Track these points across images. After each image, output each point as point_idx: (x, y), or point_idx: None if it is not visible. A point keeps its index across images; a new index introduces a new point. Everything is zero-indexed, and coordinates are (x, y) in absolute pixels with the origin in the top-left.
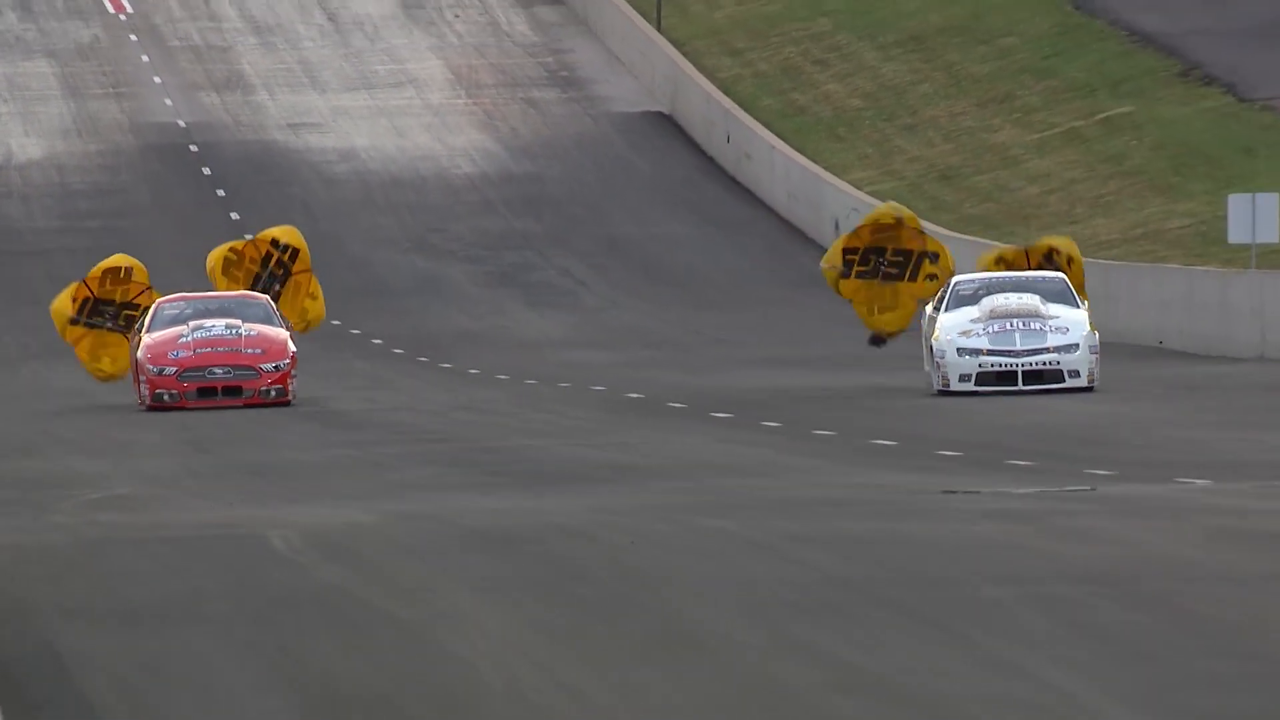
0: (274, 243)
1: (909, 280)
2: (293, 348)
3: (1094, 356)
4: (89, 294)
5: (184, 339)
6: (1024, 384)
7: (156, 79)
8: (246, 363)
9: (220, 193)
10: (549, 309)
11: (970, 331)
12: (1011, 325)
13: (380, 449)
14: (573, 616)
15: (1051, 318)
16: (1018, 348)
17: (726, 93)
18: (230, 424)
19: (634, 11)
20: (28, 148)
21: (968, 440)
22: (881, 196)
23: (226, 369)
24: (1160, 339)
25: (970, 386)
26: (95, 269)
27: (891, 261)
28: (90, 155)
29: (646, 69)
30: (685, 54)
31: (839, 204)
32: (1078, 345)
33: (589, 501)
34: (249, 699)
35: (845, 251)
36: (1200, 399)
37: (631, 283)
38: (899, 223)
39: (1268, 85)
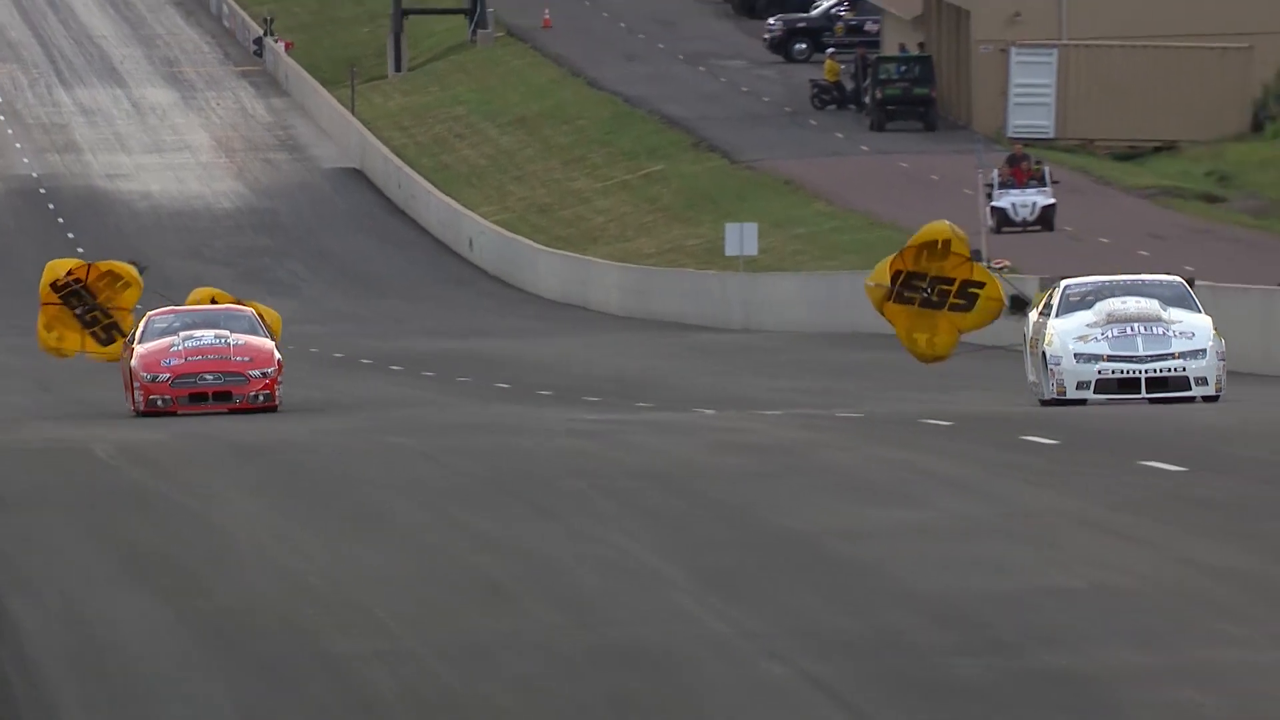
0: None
1: (949, 311)
2: (278, 356)
3: (1221, 363)
4: (82, 277)
5: (175, 348)
6: (1147, 391)
7: (17, 145)
8: (236, 370)
9: (60, 220)
10: (282, 298)
11: (1088, 337)
12: (1133, 330)
13: None
14: (301, 503)
15: (1174, 322)
16: (1140, 353)
17: (397, 155)
18: (70, 365)
19: (335, 101)
20: None
21: (560, 384)
22: (502, 224)
23: (217, 375)
24: (683, 318)
25: (1089, 394)
26: (103, 263)
27: (935, 290)
28: None
29: (344, 139)
30: (370, 129)
31: (471, 229)
32: (1204, 351)
33: (311, 425)
34: (87, 555)
35: (892, 274)
36: (708, 357)
37: (337, 280)
38: (947, 246)
39: (748, 153)
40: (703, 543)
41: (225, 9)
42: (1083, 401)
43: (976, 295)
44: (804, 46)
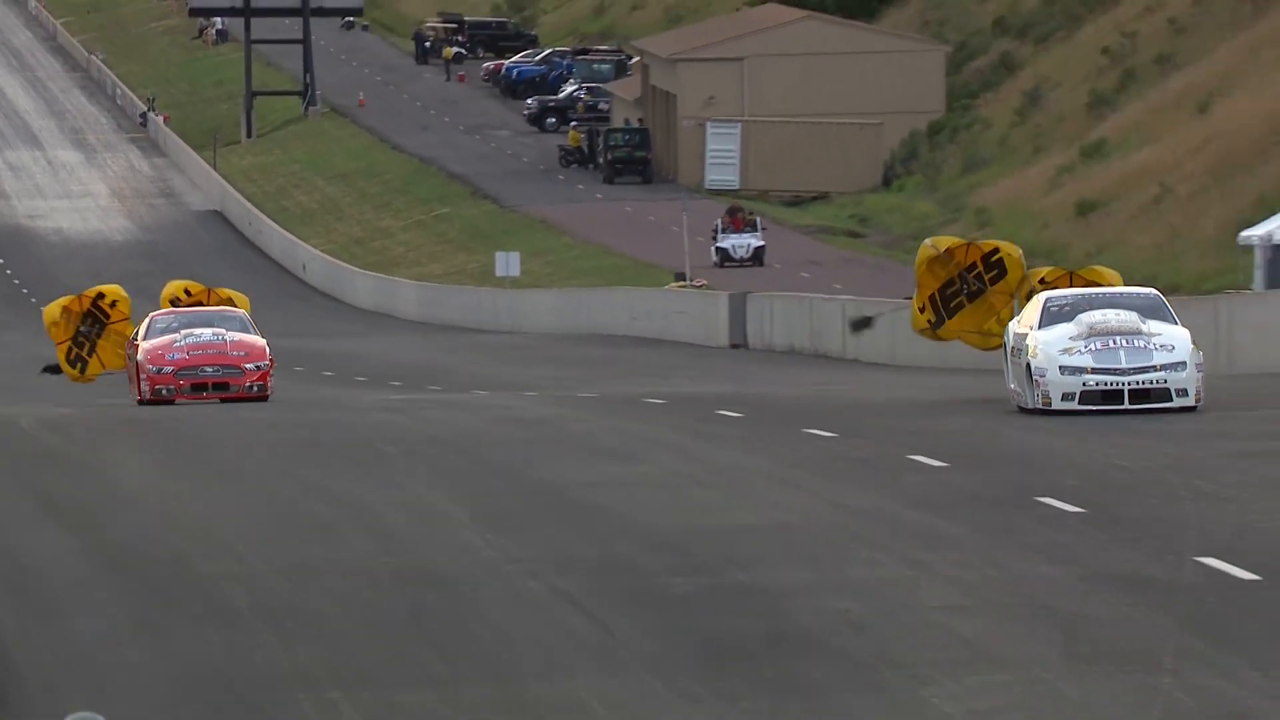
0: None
1: (991, 286)
2: (270, 352)
3: (1200, 374)
4: (65, 341)
5: (178, 344)
6: (1130, 403)
7: None
8: (233, 363)
9: None
10: None
11: (1071, 349)
12: (1115, 343)
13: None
14: (174, 461)
15: (1155, 335)
16: (1123, 366)
17: (249, 201)
18: (24, 365)
19: (201, 160)
20: None
21: (372, 372)
22: (328, 252)
23: (216, 368)
24: (464, 324)
25: (1074, 405)
26: (49, 330)
27: (970, 280)
28: None
29: (208, 188)
30: (228, 181)
31: (304, 256)
32: (1185, 363)
33: (187, 409)
34: (15, 501)
35: (923, 307)
36: (483, 352)
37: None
38: (948, 251)
39: (512, 200)
40: (480, 491)
41: (118, 90)
42: (1068, 412)
43: (1000, 258)
44: (554, 120)
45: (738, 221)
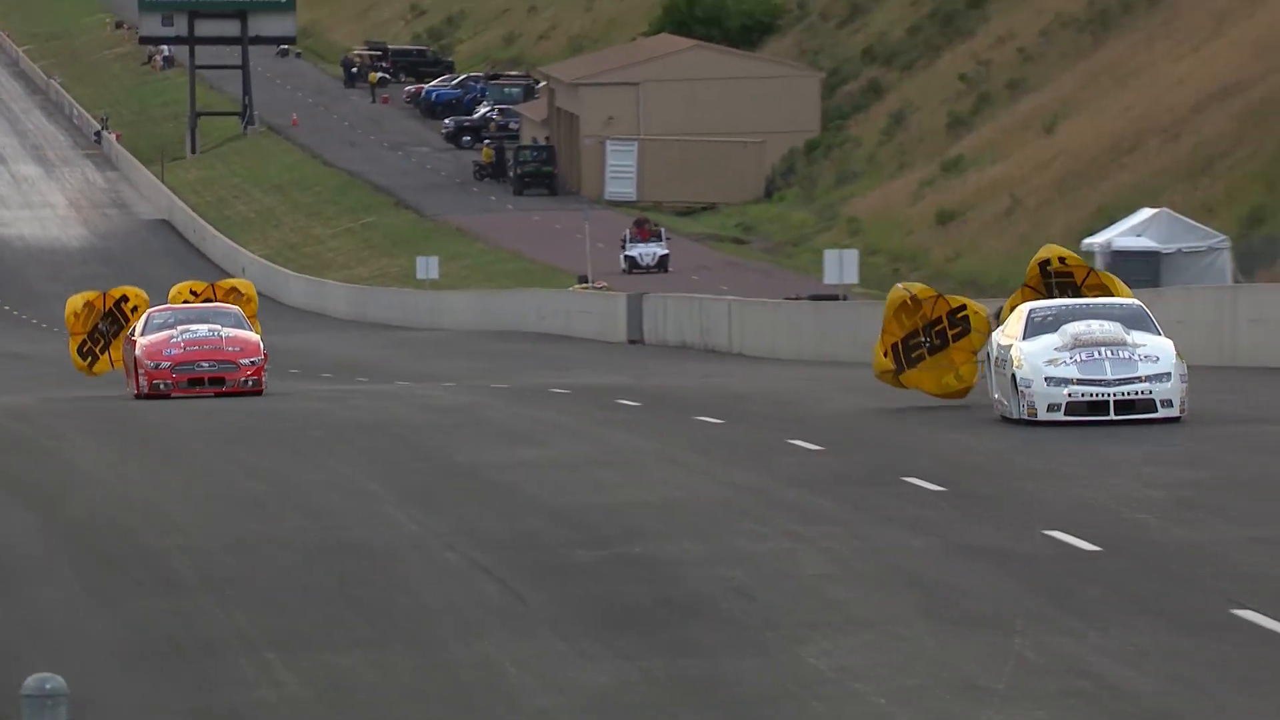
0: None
1: (954, 342)
2: (264, 348)
3: (1184, 385)
4: (82, 335)
5: (175, 339)
6: (1115, 414)
7: None
8: (228, 358)
9: None
10: None
11: (1057, 360)
12: (1099, 354)
13: (45, 368)
14: (124, 446)
15: (1139, 346)
16: (1109, 376)
17: (194, 210)
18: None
19: (150, 174)
20: None
21: (305, 365)
22: (265, 257)
23: (212, 364)
24: (389, 321)
25: (1059, 416)
26: (68, 319)
27: (933, 335)
28: None
29: (157, 200)
30: (174, 193)
31: (244, 260)
32: (1169, 374)
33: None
34: None
35: (887, 353)
36: (406, 347)
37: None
38: (915, 300)
39: (432, 210)
40: (404, 471)
41: (75, 111)
42: (1053, 423)
43: (965, 315)
44: (468, 138)
45: (644, 232)
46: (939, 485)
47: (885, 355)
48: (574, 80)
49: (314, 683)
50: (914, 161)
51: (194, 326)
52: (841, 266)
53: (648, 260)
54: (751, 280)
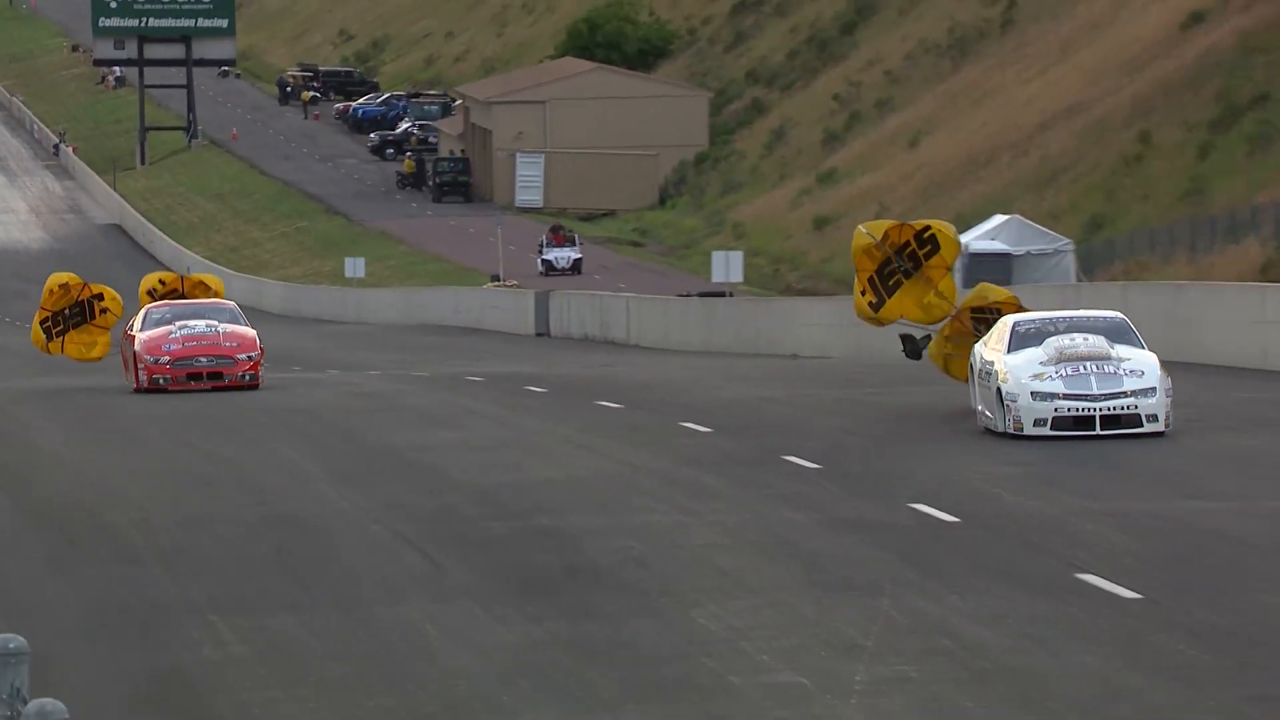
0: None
1: (926, 261)
2: (260, 343)
3: (1169, 399)
4: (49, 313)
5: (173, 335)
6: (1102, 429)
7: None
8: (226, 354)
9: None
10: None
11: (1043, 375)
12: (1085, 369)
13: (11, 359)
14: (84, 430)
15: (1124, 360)
16: (1094, 391)
17: (144, 216)
18: None
19: (104, 183)
20: None
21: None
22: (208, 258)
23: (210, 359)
24: (321, 316)
25: (1046, 431)
26: (44, 294)
27: (905, 258)
28: None
29: (110, 206)
30: (126, 200)
31: (189, 261)
32: (1155, 389)
33: (89, 381)
34: None
35: (864, 290)
36: (336, 339)
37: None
38: (884, 236)
39: (359, 216)
40: (334, 452)
41: (35, 125)
42: (1040, 438)
43: (932, 234)
44: (392, 151)
45: (559, 238)
46: (816, 464)
47: (863, 294)
48: (487, 99)
49: (253, 642)
50: (793, 173)
51: (191, 322)
52: (728, 267)
53: (563, 263)
54: (647, 279)
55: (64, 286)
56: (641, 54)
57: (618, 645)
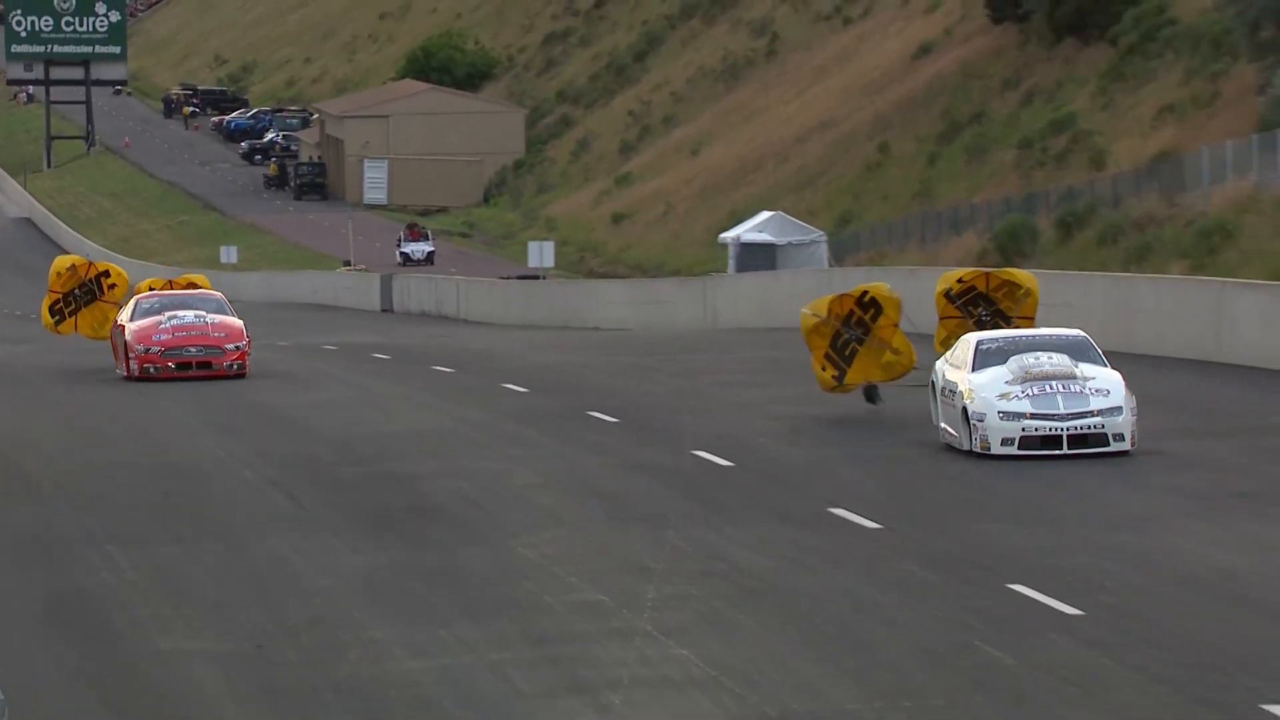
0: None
1: (874, 323)
2: (247, 333)
3: (1134, 417)
4: (58, 295)
5: (163, 325)
6: (1069, 448)
7: None
8: (214, 344)
9: None
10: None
11: (1009, 394)
12: (1051, 388)
13: None
14: (3, 394)
15: (1089, 379)
16: (1061, 411)
17: (51, 212)
18: None
19: (16, 184)
20: None
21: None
22: (105, 247)
23: (199, 348)
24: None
25: (1013, 450)
26: (51, 277)
27: (853, 326)
28: None
29: (21, 203)
30: (35, 198)
31: (88, 250)
32: (1120, 408)
33: (45, 361)
34: None
35: (824, 366)
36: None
37: (19, 279)
38: (829, 311)
39: (232, 211)
40: (215, 409)
41: None
42: (1007, 457)
43: (871, 296)
44: (259, 157)
45: (415, 234)
46: (615, 418)
47: (824, 369)
48: (340, 113)
49: (144, 569)
50: (595, 176)
51: (181, 313)
52: (541, 254)
53: (419, 256)
54: (475, 264)
55: (71, 269)
56: (469, 77)
57: (452, 570)
